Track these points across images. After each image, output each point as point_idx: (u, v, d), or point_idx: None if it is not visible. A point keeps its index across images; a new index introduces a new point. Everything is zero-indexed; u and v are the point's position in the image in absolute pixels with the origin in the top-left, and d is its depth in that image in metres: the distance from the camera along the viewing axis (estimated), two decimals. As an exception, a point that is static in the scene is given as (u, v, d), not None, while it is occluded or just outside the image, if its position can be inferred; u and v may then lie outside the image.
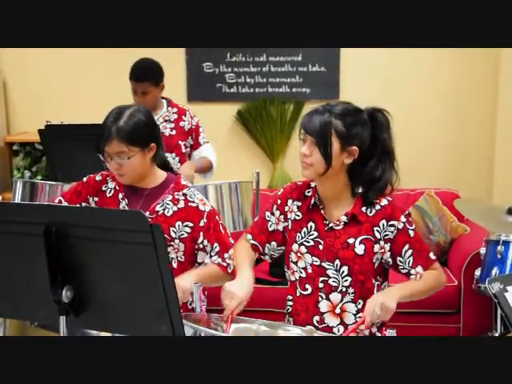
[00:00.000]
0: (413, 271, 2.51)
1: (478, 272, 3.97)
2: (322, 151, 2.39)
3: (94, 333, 2.35)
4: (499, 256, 3.85)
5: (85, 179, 2.94)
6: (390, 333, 2.10)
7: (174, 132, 4.40)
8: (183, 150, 4.45)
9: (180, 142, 4.43)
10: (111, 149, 2.66)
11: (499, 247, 3.85)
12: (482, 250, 3.99)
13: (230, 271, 2.77)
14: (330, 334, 2.47)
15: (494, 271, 3.82)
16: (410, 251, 2.50)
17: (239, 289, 2.42)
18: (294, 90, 6.05)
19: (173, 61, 5.83)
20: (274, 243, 2.67)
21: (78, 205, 2.81)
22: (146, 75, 4.32)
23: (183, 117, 4.50)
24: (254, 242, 2.68)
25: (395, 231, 2.49)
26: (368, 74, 5.91)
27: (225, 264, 2.76)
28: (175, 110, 4.52)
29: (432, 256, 2.58)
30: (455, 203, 4.40)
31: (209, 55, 6.06)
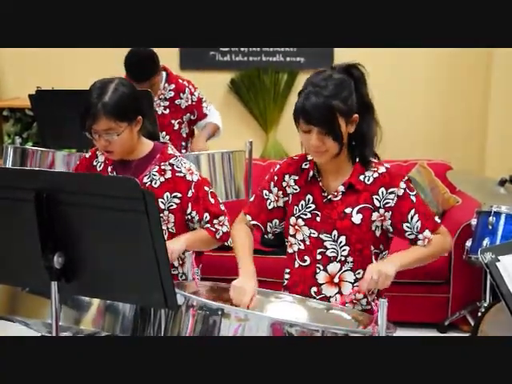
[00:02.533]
0: (420, 236, 2.47)
1: (468, 243, 4.01)
2: (334, 137, 2.35)
3: (87, 299, 2.37)
4: (490, 227, 3.89)
5: (78, 161, 2.96)
6: (382, 302, 2.09)
7: (167, 111, 4.36)
8: (175, 128, 4.42)
9: (173, 121, 4.40)
10: (99, 126, 2.63)
11: (490, 218, 3.88)
12: (474, 222, 4.04)
13: (218, 237, 2.79)
14: (323, 302, 2.48)
15: (485, 242, 3.85)
16: (417, 216, 2.46)
17: (247, 284, 2.40)
18: (288, 59, 6.04)
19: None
20: (275, 221, 2.63)
21: None
22: (146, 73, 4.23)
23: (181, 94, 4.42)
24: (256, 223, 2.63)
25: (396, 198, 2.46)
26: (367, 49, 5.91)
27: (213, 229, 2.78)
28: (172, 86, 4.43)
29: (438, 219, 2.55)
30: (448, 174, 4.44)
31: None
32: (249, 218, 2.64)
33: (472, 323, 4.23)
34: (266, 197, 2.62)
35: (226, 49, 6.05)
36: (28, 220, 1.92)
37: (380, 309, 2.07)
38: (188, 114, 4.48)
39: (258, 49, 6.03)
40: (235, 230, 2.68)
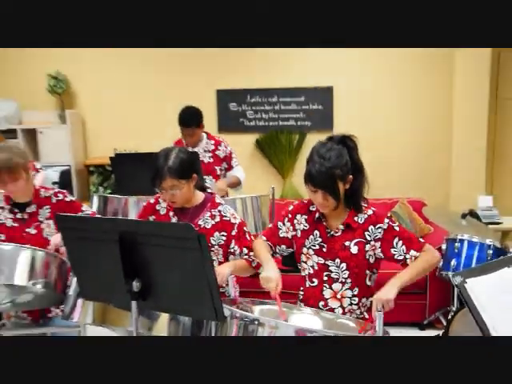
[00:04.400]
0: (408, 256, 2.42)
1: (440, 263, 3.96)
2: (334, 197, 2.36)
3: (157, 312, 2.38)
4: (456, 250, 3.88)
5: (145, 205, 2.95)
6: (379, 314, 2.10)
7: (211, 160, 4.36)
8: (218, 173, 4.42)
9: (216, 167, 4.41)
10: (166, 184, 2.65)
11: (456, 244, 3.87)
12: (444, 246, 4.00)
13: (254, 265, 2.77)
14: (333, 313, 2.48)
15: (453, 262, 3.85)
16: (401, 241, 2.43)
17: (273, 273, 2.40)
18: (298, 123, 6.08)
19: (207, 102, 5.91)
20: (283, 246, 2.63)
21: None
22: (192, 121, 4.29)
23: (219, 147, 4.45)
24: (268, 243, 2.65)
25: (382, 231, 2.44)
26: (354, 111, 5.96)
27: (251, 260, 2.76)
28: (212, 142, 4.46)
29: (421, 240, 2.50)
30: (423, 211, 4.44)
31: (233, 97, 6.11)
32: (264, 238, 2.66)
33: (444, 323, 4.22)
34: (279, 227, 2.63)
35: (252, 116, 6.11)
36: (114, 255, 1.96)
37: (378, 319, 2.08)
38: (224, 163, 4.47)
39: (276, 116, 6.08)
40: (256, 244, 2.68)
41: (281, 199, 5.59)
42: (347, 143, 2.44)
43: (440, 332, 4.05)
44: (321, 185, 2.35)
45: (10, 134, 5.85)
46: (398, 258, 2.45)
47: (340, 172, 2.36)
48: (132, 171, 4.11)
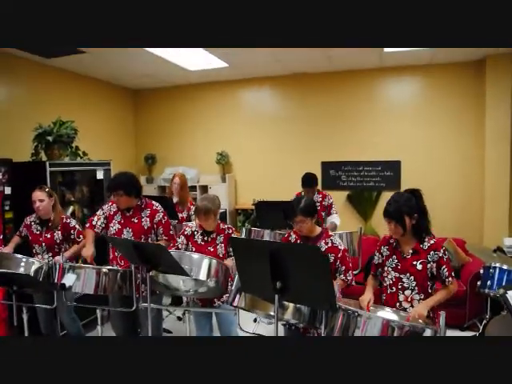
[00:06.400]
0: (446, 280, 2.40)
1: (479, 282, 3.77)
2: (402, 227, 2.37)
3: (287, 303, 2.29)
4: (490, 274, 3.66)
5: (282, 237, 2.93)
6: (442, 313, 2.05)
7: (318, 207, 4.28)
8: (323, 216, 4.35)
9: (322, 213, 4.34)
10: (297, 219, 2.65)
11: (491, 270, 3.66)
12: (481, 271, 3.79)
13: (348, 283, 2.67)
14: (405, 312, 2.42)
15: (488, 282, 3.63)
16: (446, 268, 2.40)
17: (363, 298, 2.45)
18: (376, 184, 5.98)
19: (315, 169, 5.88)
20: (379, 269, 2.60)
21: None
22: (312, 183, 4.29)
23: (325, 199, 4.38)
24: (375, 274, 2.63)
25: (438, 257, 2.40)
26: (414, 175, 5.82)
27: (346, 280, 2.65)
28: (320, 196, 4.39)
29: (453, 273, 2.44)
30: (466, 246, 4.24)
31: (332, 166, 6.12)
32: (372, 272, 2.63)
33: (479, 326, 3.96)
34: (375, 257, 2.60)
35: (345, 179, 6.07)
36: (265, 264, 1.94)
37: (441, 317, 2.04)
38: (326, 210, 4.40)
39: (361, 179, 6.01)
40: (368, 283, 2.63)
41: (364, 235, 5.48)
42: (415, 193, 2.46)
43: (477, 333, 3.80)
44: (392, 217, 2.37)
45: (192, 188, 6.10)
46: (442, 277, 2.41)
47: (406, 209, 2.36)
48: (268, 212, 4.20)
